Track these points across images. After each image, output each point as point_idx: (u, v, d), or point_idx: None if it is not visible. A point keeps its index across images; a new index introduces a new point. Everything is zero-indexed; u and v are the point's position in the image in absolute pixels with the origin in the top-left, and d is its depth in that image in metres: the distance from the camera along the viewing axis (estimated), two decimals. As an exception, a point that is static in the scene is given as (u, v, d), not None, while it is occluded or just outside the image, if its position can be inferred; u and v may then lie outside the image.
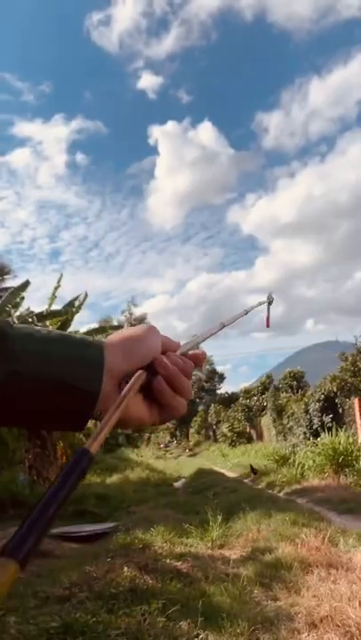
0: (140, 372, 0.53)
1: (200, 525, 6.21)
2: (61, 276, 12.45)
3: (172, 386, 0.55)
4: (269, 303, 1.33)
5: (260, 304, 1.21)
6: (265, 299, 1.31)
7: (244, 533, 5.97)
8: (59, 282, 12.26)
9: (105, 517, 8.08)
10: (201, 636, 3.07)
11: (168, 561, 4.65)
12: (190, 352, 0.62)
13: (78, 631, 2.92)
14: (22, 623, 3.01)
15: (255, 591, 4.05)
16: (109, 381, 0.52)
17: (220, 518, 6.25)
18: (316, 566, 4.30)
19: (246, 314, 0.99)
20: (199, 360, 0.62)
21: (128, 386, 0.50)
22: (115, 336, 0.56)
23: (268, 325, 1.41)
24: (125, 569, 4.12)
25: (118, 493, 10.47)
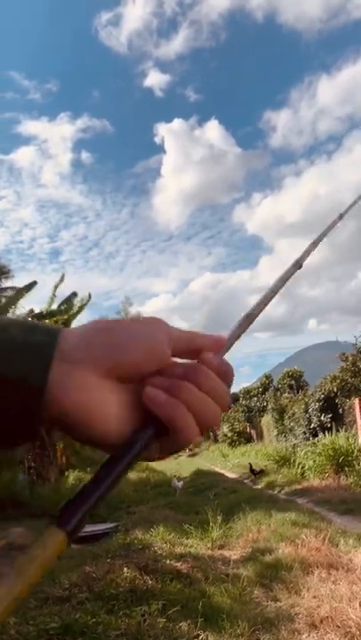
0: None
1: (200, 526, 6.20)
2: (63, 275, 12.47)
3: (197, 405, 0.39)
4: None
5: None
6: None
7: (245, 534, 5.96)
8: (61, 280, 12.27)
9: (105, 518, 8.07)
10: (201, 637, 3.06)
11: (168, 561, 4.64)
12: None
13: (78, 632, 2.91)
14: (22, 624, 3.01)
15: (255, 592, 4.04)
16: (65, 371, 0.38)
17: (220, 519, 6.24)
18: (317, 567, 4.29)
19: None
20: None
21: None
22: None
23: None
24: (125, 569, 4.11)
25: (118, 493, 10.45)
